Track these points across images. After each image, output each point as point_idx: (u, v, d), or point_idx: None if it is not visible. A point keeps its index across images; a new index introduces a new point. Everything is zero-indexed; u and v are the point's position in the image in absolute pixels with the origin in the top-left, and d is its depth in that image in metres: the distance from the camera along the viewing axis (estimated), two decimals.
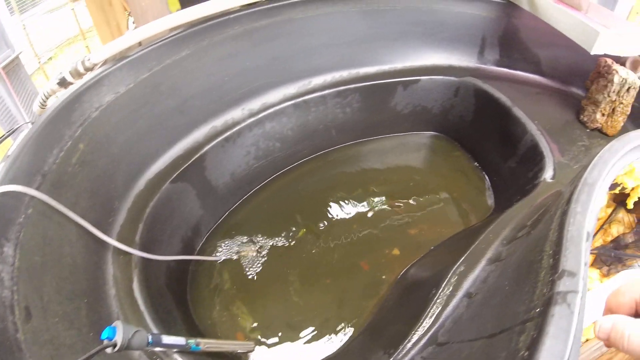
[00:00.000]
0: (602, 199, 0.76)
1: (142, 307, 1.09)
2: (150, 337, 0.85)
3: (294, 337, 1.28)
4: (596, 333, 0.55)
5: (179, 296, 1.34)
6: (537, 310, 0.62)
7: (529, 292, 0.68)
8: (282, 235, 1.56)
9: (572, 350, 0.55)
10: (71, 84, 1.35)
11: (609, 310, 0.59)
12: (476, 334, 0.81)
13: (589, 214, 0.70)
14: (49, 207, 1.02)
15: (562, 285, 0.60)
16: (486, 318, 0.83)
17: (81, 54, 6.15)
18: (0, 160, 1.06)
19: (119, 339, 0.77)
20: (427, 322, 0.98)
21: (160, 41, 1.41)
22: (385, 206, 1.65)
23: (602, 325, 0.54)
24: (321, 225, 1.59)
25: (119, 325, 0.79)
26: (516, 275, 0.83)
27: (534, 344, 0.57)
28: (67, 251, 1.04)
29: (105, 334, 0.77)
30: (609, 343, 0.54)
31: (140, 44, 1.48)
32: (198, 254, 1.50)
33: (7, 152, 1.07)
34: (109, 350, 0.77)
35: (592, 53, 1.43)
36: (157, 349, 0.96)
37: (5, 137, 1.16)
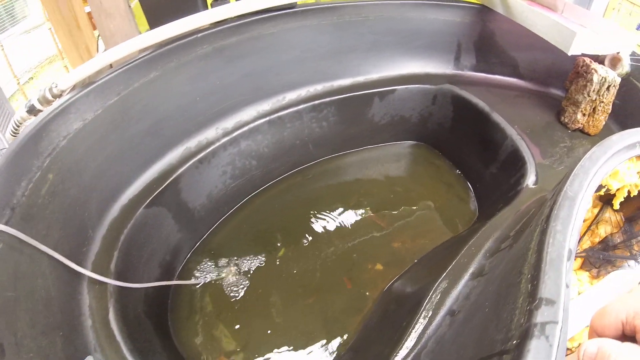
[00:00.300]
0: (585, 210, 0.74)
1: (119, 337, 1.08)
2: None
3: (277, 359, 1.28)
4: (581, 358, 0.53)
5: (160, 323, 1.34)
6: (514, 342, 0.60)
7: (507, 319, 0.66)
8: (263, 255, 1.56)
9: None
10: (40, 111, 1.35)
11: (594, 332, 0.58)
12: (457, 357, 0.80)
13: (570, 231, 0.69)
14: (19, 241, 1.01)
15: (540, 315, 0.58)
16: (467, 341, 0.82)
17: (61, 74, 6.15)
18: None
19: None
20: (409, 343, 0.97)
21: (128, 64, 1.41)
22: (367, 220, 1.66)
23: (587, 350, 0.53)
24: (302, 242, 1.59)
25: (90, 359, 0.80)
26: (496, 297, 0.81)
27: None
28: (40, 284, 1.04)
29: None
30: None
31: (111, 66, 1.48)
32: (178, 278, 1.49)
33: None
34: None
35: (569, 54, 1.44)
36: None
37: None
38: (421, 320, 0.99)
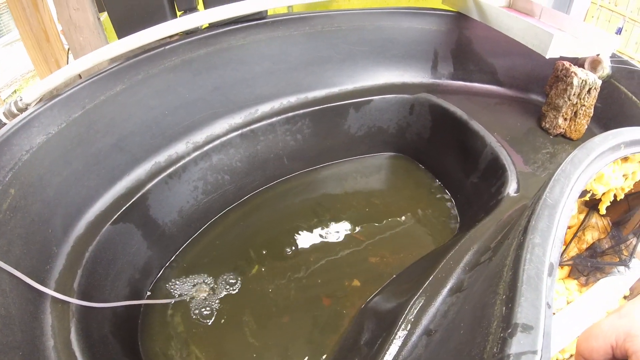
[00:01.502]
0: (568, 219, 0.72)
1: (80, 358, 1.09)
2: None
3: None
4: None
5: (128, 343, 1.35)
6: None
7: (480, 344, 0.61)
8: (236, 272, 1.57)
9: None
10: (4, 124, 1.37)
11: (579, 357, 0.56)
12: None
13: (550, 243, 0.65)
14: None
15: (515, 344, 0.53)
16: None
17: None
18: None
19: None
20: None
21: (93, 77, 1.44)
22: (344, 234, 1.68)
23: None
24: (277, 259, 1.61)
25: None
26: (471, 319, 0.76)
27: None
28: (0, 302, 1.05)
29: None
30: None
31: (80, 76, 1.51)
32: (148, 297, 1.51)
33: None
34: None
35: (547, 57, 1.49)
36: None
37: None
38: (396, 340, 0.98)
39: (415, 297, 1.05)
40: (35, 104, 1.39)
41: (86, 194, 1.43)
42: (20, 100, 1.38)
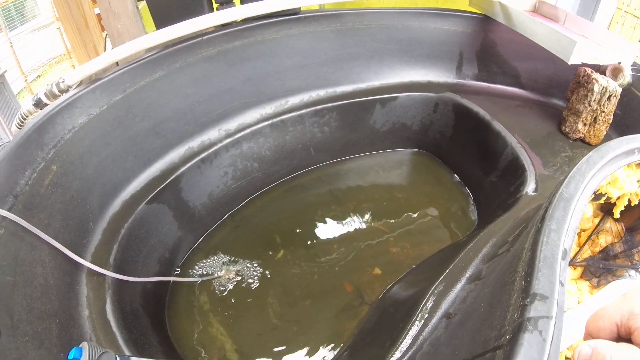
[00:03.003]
0: (581, 212, 0.74)
1: (115, 328, 1.10)
2: (117, 358, 0.86)
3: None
4: None
5: (156, 318, 1.36)
6: (507, 338, 0.59)
7: (500, 316, 0.66)
8: (261, 256, 1.58)
9: None
10: (47, 105, 1.39)
11: (588, 335, 0.57)
12: (451, 359, 0.80)
13: (565, 231, 0.69)
14: (21, 228, 1.05)
15: (533, 310, 0.58)
16: (462, 342, 0.82)
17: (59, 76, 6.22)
18: None
19: (84, 359, 0.79)
20: (405, 344, 0.97)
21: (134, 63, 1.46)
22: (366, 225, 1.68)
23: (581, 352, 0.51)
24: (301, 245, 1.61)
25: (85, 345, 0.81)
26: (491, 297, 0.80)
27: None
28: (39, 272, 1.06)
29: (71, 355, 0.79)
30: None
31: (117, 64, 1.52)
32: (176, 276, 1.52)
33: None
34: None
35: (569, 63, 1.47)
36: None
37: None
38: (417, 323, 1.00)
39: (436, 283, 1.06)
40: (76, 87, 1.41)
41: (122, 174, 1.44)
42: (63, 82, 1.40)
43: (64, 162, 1.27)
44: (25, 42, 6.70)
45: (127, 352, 1.06)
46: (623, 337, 0.53)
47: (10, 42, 3.59)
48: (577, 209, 0.73)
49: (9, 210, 1.04)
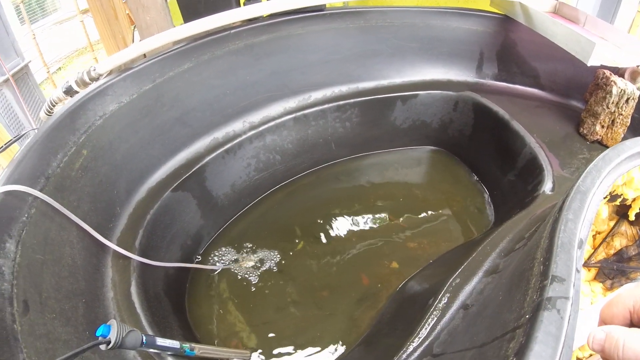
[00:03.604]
0: (596, 206, 0.76)
1: (139, 310, 1.12)
2: (144, 338, 0.88)
3: (290, 348, 1.30)
4: (590, 345, 0.53)
5: (177, 303, 1.37)
6: (527, 317, 0.61)
7: (519, 300, 0.68)
8: (281, 247, 1.58)
9: (561, 355, 0.55)
10: (77, 92, 1.41)
11: (602, 322, 0.58)
12: (469, 344, 0.81)
13: (581, 221, 0.70)
14: (52, 209, 1.07)
15: (552, 291, 0.60)
16: (479, 328, 0.83)
17: (89, 65, 6.27)
18: (8, 164, 1.11)
19: (113, 336, 0.80)
20: (422, 333, 0.98)
21: (163, 54, 1.48)
22: (384, 220, 1.68)
23: (595, 336, 0.52)
24: (320, 238, 1.62)
25: (113, 323, 0.82)
26: (509, 285, 0.82)
27: (521, 350, 0.57)
28: (67, 252, 1.08)
29: (99, 331, 0.80)
30: (603, 355, 0.53)
31: (145, 56, 1.54)
32: (197, 263, 1.53)
33: (14, 156, 1.12)
34: (102, 347, 0.80)
35: (588, 64, 1.45)
36: (152, 350, 0.98)
37: (12, 143, 1.22)
38: (435, 313, 1.01)
39: (454, 276, 1.07)
40: (106, 76, 1.43)
41: (149, 161, 1.46)
42: (94, 70, 1.42)
43: (94, 147, 1.29)
44: (47, 35, 6.77)
45: (150, 333, 1.07)
46: (635, 323, 0.54)
47: (34, 34, 3.62)
48: (593, 202, 0.75)
49: (40, 190, 1.05)
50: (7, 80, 3.33)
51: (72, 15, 7.03)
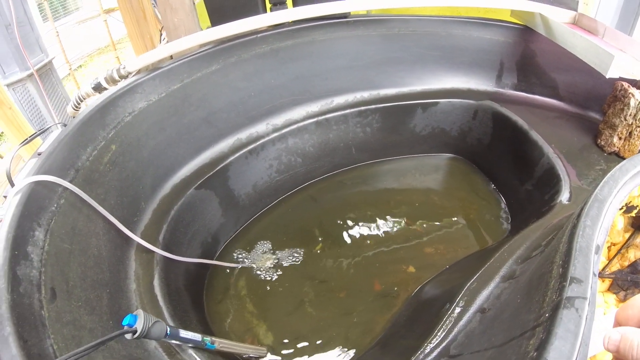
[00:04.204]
0: (613, 215, 0.77)
1: (161, 302, 1.13)
2: (168, 329, 0.89)
3: (305, 348, 1.30)
4: (605, 345, 0.55)
5: (195, 298, 1.38)
6: (547, 316, 0.63)
7: (538, 300, 0.70)
8: (300, 247, 1.59)
9: (579, 352, 0.57)
10: (105, 89, 1.43)
11: (617, 324, 0.59)
12: (487, 345, 0.82)
13: (598, 228, 0.72)
14: (80, 200, 1.08)
15: (571, 291, 0.62)
16: (497, 330, 0.84)
17: (110, 64, 6.32)
18: (30, 157, 1.13)
19: (139, 326, 0.81)
20: (439, 336, 0.98)
21: (192, 55, 1.50)
22: (402, 225, 1.67)
23: (611, 337, 0.54)
24: (338, 240, 1.62)
25: (140, 313, 0.82)
26: (527, 288, 0.84)
27: (542, 345, 0.59)
28: (93, 243, 1.09)
29: (126, 321, 0.81)
30: (618, 355, 0.55)
31: (171, 57, 1.56)
32: (216, 260, 1.54)
33: (37, 149, 1.13)
34: (128, 336, 0.81)
35: (607, 76, 1.44)
36: (174, 342, 0.99)
37: (36, 136, 1.23)
38: (452, 316, 1.01)
39: (471, 280, 1.07)
40: (134, 74, 1.44)
41: (175, 159, 1.48)
42: (123, 68, 1.44)
43: (123, 143, 1.30)
44: (69, 33, 6.84)
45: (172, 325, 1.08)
46: None
47: (57, 32, 3.66)
48: (610, 211, 0.77)
49: (70, 182, 1.06)
50: (31, 75, 3.37)
51: (94, 14, 7.10)
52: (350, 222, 1.69)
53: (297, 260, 1.55)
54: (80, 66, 6.73)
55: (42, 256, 0.94)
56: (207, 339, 1.01)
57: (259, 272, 1.51)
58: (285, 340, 1.32)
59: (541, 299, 0.69)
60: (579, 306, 0.60)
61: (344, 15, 1.74)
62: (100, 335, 0.95)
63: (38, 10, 5.41)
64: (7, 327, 0.74)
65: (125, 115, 1.33)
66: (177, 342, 0.99)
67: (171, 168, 1.46)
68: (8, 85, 3.24)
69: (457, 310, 1.02)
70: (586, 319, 0.59)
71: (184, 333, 0.95)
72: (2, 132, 4.54)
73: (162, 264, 1.23)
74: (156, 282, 1.17)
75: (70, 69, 3.96)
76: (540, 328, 0.63)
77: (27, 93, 3.40)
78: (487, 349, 0.82)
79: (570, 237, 0.72)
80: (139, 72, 1.45)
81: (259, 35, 1.61)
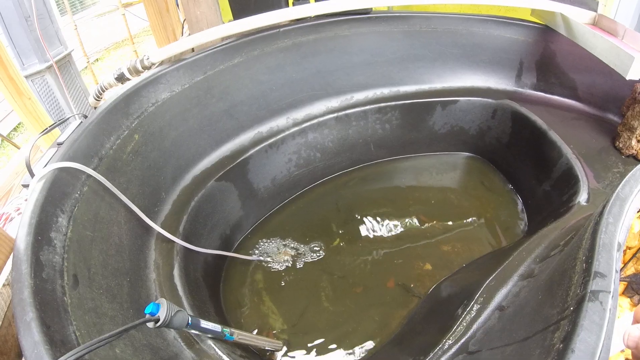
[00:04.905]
0: (634, 213, 0.77)
1: (181, 293, 1.11)
2: (190, 319, 0.87)
3: (321, 342, 1.28)
4: (625, 341, 0.57)
5: (213, 290, 1.37)
6: (571, 309, 0.64)
7: (562, 295, 0.71)
8: (317, 242, 1.57)
9: (604, 343, 0.57)
10: (128, 79, 1.42)
11: (636, 321, 0.61)
12: (508, 340, 0.82)
13: (620, 226, 0.73)
14: (102, 188, 1.07)
15: (595, 285, 0.63)
16: (518, 326, 0.84)
17: (127, 58, 6.34)
18: (49, 147, 1.12)
19: (162, 314, 0.79)
20: (458, 332, 0.98)
21: (215, 47, 1.48)
22: (419, 222, 1.65)
23: (631, 333, 0.56)
24: (356, 235, 1.60)
25: (163, 302, 0.81)
26: (549, 285, 0.84)
27: (568, 337, 0.60)
28: (115, 231, 1.08)
29: (148, 309, 0.79)
30: (637, 351, 0.56)
31: (193, 50, 1.55)
32: (234, 252, 1.52)
33: (56, 139, 1.12)
34: (150, 324, 0.79)
35: (627, 78, 1.41)
36: (193, 332, 0.98)
37: (55, 126, 1.22)
38: (470, 313, 1.00)
39: (489, 278, 1.07)
40: (157, 65, 1.43)
41: (196, 150, 1.46)
42: (147, 59, 1.42)
43: (146, 133, 1.29)
44: (87, 27, 6.87)
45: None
46: None
47: (75, 25, 3.66)
48: (631, 209, 0.78)
49: (93, 169, 1.06)
50: (50, 67, 3.36)
51: (112, 8, 7.12)
52: (367, 218, 1.67)
53: (314, 255, 1.54)
54: (97, 59, 6.74)
55: (64, 242, 0.93)
56: (227, 330, 1.00)
57: (275, 266, 1.50)
58: (302, 334, 1.31)
59: (565, 294, 0.71)
60: (603, 299, 0.61)
61: (366, 11, 1.71)
62: (121, 323, 0.94)
63: (56, 4, 5.43)
64: (30, 312, 0.73)
65: (149, 105, 1.31)
66: (197, 332, 0.98)
67: (192, 159, 1.45)
68: (27, 77, 3.24)
69: (476, 307, 1.01)
70: (610, 311, 0.60)
71: (204, 323, 0.93)
72: (20, 123, 4.55)
73: (182, 254, 1.22)
74: (176, 272, 1.16)
75: (88, 62, 3.96)
76: (565, 321, 0.64)
77: (46, 84, 3.40)
78: (507, 345, 0.82)
79: (594, 234, 0.73)
80: (161, 63, 1.44)
81: (281, 29, 1.59)
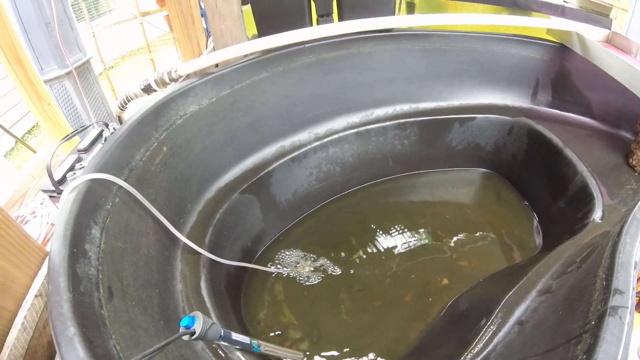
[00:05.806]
0: None
1: (209, 304, 1.10)
2: (222, 332, 0.86)
3: (340, 354, 1.28)
4: (639, 353, 0.60)
5: (235, 301, 1.36)
6: (593, 323, 0.70)
7: (583, 310, 0.76)
8: (337, 255, 1.56)
9: (622, 355, 0.63)
10: (154, 91, 1.42)
11: None
12: (529, 353, 0.84)
13: (637, 244, 0.78)
14: (133, 199, 1.06)
15: (614, 301, 0.69)
16: (539, 339, 0.87)
17: (142, 66, 6.36)
18: (69, 153, 1.11)
19: (198, 328, 0.78)
20: (478, 346, 0.97)
21: (242, 62, 1.48)
22: (436, 237, 1.64)
23: None
24: (374, 249, 1.59)
25: (199, 315, 0.80)
26: (569, 300, 0.88)
27: (591, 349, 0.65)
28: (144, 242, 1.07)
29: (184, 322, 0.78)
30: None
31: (217, 65, 1.54)
32: (255, 264, 1.52)
33: (76, 146, 1.11)
34: (186, 337, 0.78)
35: None
36: (223, 343, 0.96)
37: (76, 134, 1.22)
38: (491, 327, 1.00)
39: (509, 294, 1.07)
40: (184, 78, 1.43)
41: (220, 163, 1.45)
42: (175, 71, 1.41)
43: (174, 145, 1.28)
44: (103, 34, 6.87)
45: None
46: None
47: (93, 32, 3.67)
48: None
49: (124, 181, 1.04)
50: (69, 73, 3.36)
51: (129, 17, 7.15)
52: (385, 232, 1.66)
53: (334, 267, 1.53)
54: (112, 67, 6.75)
55: (98, 254, 0.91)
56: (255, 341, 0.99)
57: (295, 278, 1.49)
58: (321, 346, 1.30)
59: (586, 309, 0.76)
60: (622, 314, 0.68)
61: (388, 30, 1.71)
62: (154, 335, 0.93)
63: (73, 11, 5.45)
64: (71, 327, 0.71)
65: (177, 117, 1.31)
66: (227, 344, 0.97)
67: (216, 172, 1.44)
68: (45, 82, 3.23)
69: (496, 322, 1.02)
70: (628, 325, 0.67)
71: (235, 336, 0.93)
72: (34, 126, 4.55)
73: (208, 265, 1.21)
74: (203, 284, 1.15)
75: (104, 68, 3.96)
76: (587, 334, 0.70)
77: (64, 90, 3.39)
78: (528, 357, 0.85)
79: (612, 253, 0.80)
80: (187, 77, 1.44)
81: (306, 45, 1.59)
